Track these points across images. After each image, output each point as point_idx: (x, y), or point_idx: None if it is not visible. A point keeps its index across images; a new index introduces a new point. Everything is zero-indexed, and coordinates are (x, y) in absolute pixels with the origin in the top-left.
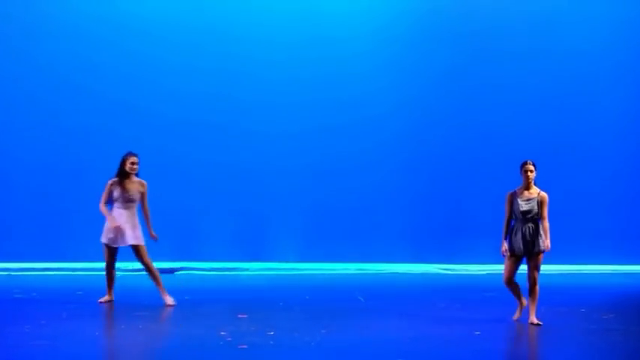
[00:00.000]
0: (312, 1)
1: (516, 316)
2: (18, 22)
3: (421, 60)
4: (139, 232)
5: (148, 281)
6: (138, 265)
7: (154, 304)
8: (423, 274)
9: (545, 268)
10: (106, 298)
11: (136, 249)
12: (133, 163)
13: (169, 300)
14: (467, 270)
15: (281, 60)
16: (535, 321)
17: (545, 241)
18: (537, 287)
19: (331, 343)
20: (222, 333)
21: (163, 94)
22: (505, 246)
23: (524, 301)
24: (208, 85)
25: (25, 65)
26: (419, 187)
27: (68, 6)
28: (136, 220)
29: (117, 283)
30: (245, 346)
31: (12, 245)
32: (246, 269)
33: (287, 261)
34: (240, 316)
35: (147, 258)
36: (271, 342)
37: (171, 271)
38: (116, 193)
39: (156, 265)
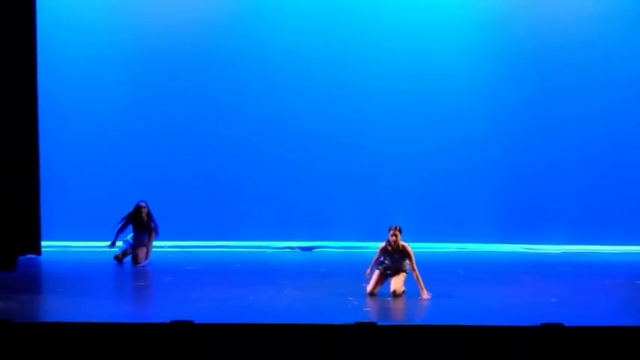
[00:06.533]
0: (418, 37)
1: None
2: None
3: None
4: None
5: (293, 257)
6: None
7: (296, 275)
8: (509, 252)
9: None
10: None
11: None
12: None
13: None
14: (545, 249)
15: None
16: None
17: None
18: None
19: (440, 304)
20: (350, 298)
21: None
22: None
23: None
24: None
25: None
26: (506, 181)
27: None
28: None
29: (263, 258)
30: (368, 309)
31: (183, 227)
32: (368, 247)
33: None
34: (363, 285)
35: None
36: (387, 305)
37: (310, 249)
38: (133, 225)
39: (299, 244)
